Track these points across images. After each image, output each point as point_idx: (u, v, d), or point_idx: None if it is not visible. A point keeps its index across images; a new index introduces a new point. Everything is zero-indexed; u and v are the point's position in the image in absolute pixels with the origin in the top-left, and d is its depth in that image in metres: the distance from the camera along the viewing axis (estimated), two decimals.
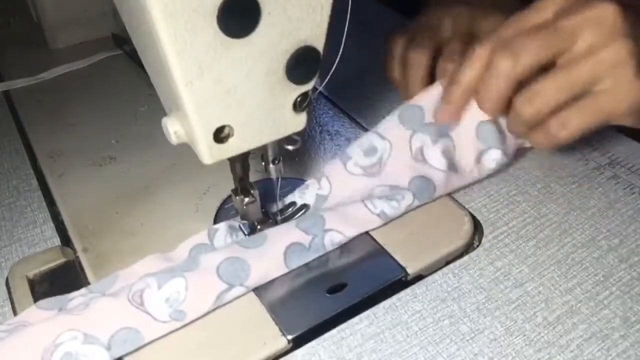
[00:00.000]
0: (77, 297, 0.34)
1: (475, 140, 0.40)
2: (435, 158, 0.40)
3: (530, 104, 0.35)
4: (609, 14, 0.34)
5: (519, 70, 0.35)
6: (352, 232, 0.37)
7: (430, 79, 0.45)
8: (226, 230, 0.37)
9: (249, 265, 0.34)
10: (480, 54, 0.37)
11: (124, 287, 0.34)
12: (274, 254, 0.35)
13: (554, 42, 0.34)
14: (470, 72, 0.37)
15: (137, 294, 0.32)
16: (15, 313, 0.35)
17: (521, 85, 0.36)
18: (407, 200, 0.39)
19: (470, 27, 0.46)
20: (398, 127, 0.41)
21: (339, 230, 0.37)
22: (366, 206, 0.38)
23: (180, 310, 0.32)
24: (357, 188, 0.40)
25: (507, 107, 0.37)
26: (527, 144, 0.43)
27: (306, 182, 0.41)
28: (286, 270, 0.36)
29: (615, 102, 0.34)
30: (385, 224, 0.38)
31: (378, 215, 0.38)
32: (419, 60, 0.45)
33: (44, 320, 0.32)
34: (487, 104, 0.37)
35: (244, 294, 0.34)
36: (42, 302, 0.33)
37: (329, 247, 0.37)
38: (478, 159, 0.41)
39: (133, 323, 0.32)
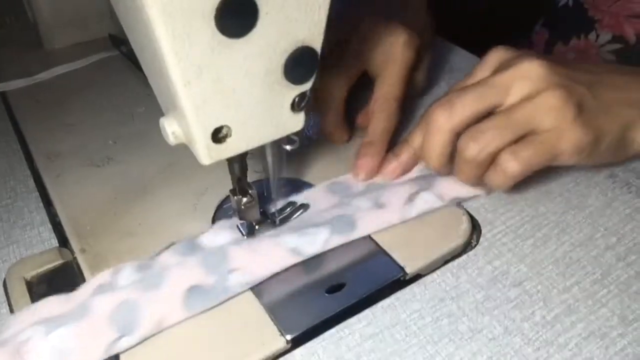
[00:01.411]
0: None
1: (406, 184, 0.40)
2: (360, 201, 0.39)
3: (474, 141, 0.35)
4: (535, 67, 0.36)
5: (455, 121, 0.36)
6: (260, 272, 0.35)
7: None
8: (133, 268, 0.35)
9: (142, 311, 0.32)
10: (425, 115, 0.38)
11: (9, 337, 0.31)
12: (171, 297, 0.33)
13: (488, 95, 0.36)
14: (419, 134, 0.40)
15: (23, 344, 0.30)
16: (13, 314, 0.35)
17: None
18: (323, 235, 0.36)
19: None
20: (325, 195, 0.41)
21: (246, 270, 0.34)
22: (277, 243, 0.36)
23: None
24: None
25: (450, 161, 0.38)
26: (468, 193, 0.41)
27: (218, 223, 0.39)
28: (187, 315, 0.33)
29: (559, 141, 0.35)
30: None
31: (291, 251, 0.35)
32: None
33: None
34: (429, 159, 0.38)
35: (137, 344, 0.32)
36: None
37: (237, 289, 0.34)
38: (410, 199, 0.39)
39: None
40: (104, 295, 0.33)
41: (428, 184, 0.40)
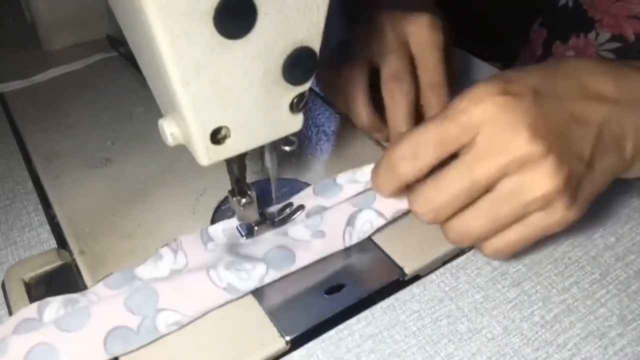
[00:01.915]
0: None
1: (346, 203, 0.38)
2: (298, 231, 0.37)
3: (455, 230, 0.33)
4: (525, 140, 0.30)
5: (418, 171, 0.32)
6: (192, 311, 0.33)
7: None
8: (59, 303, 0.33)
9: (59, 355, 0.30)
10: (386, 156, 0.34)
11: None
12: (92, 340, 0.31)
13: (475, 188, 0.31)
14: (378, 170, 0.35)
15: None
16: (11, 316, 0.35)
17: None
18: (259, 270, 0.34)
19: (399, 35, 0.45)
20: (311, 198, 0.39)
21: (175, 309, 0.32)
22: (210, 279, 0.33)
23: None
24: (209, 258, 0.36)
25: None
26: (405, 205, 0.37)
27: (160, 251, 0.36)
28: (103, 354, 0.31)
29: (548, 227, 0.32)
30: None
31: (225, 289, 0.33)
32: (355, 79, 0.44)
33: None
34: (382, 193, 0.35)
35: None
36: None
37: (164, 330, 0.32)
38: (350, 222, 0.37)
39: None
40: (24, 334, 0.31)
41: (367, 201, 0.38)
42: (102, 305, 0.32)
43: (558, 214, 0.31)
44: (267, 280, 0.35)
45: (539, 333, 0.33)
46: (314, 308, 0.34)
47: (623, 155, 0.33)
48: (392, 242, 0.38)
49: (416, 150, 0.31)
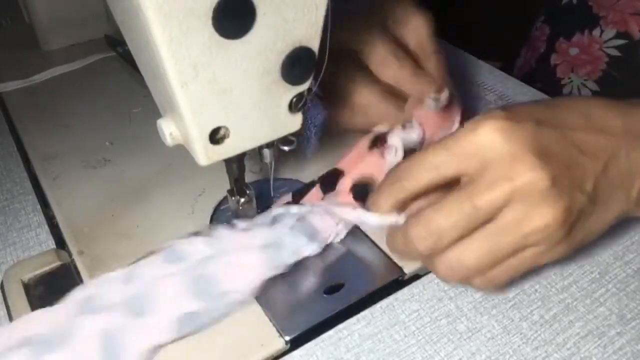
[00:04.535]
0: None
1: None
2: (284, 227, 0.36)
3: (453, 269, 0.31)
4: (537, 181, 0.29)
5: (436, 244, 0.31)
6: (247, 288, 0.34)
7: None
8: (118, 280, 0.34)
9: (129, 339, 0.31)
10: (403, 233, 0.32)
11: None
12: (162, 326, 0.32)
13: (474, 219, 0.30)
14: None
15: None
16: (10, 317, 0.35)
17: None
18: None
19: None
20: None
21: (237, 289, 0.33)
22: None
23: None
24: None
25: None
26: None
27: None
28: (175, 337, 0.32)
29: (540, 259, 0.31)
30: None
31: (264, 249, 0.34)
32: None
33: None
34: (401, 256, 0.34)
35: None
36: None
37: (232, 309, 0.33)
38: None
39: None
40: (88, 316, 0.32)
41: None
42: (164, 285, 0.33)
43: (550, 246, 0.30)
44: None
45: (538, 332, 0.33)
46: (314, 308, 0.34)
47: (630, 193, 0.32)
48: None
49: (413, 172, 0.31)
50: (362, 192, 0.37)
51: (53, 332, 0.31)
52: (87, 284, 0.34)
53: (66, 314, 0.32)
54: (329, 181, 0.39)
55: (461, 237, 0.30)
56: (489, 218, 0.30)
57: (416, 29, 0.44)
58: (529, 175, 0.28)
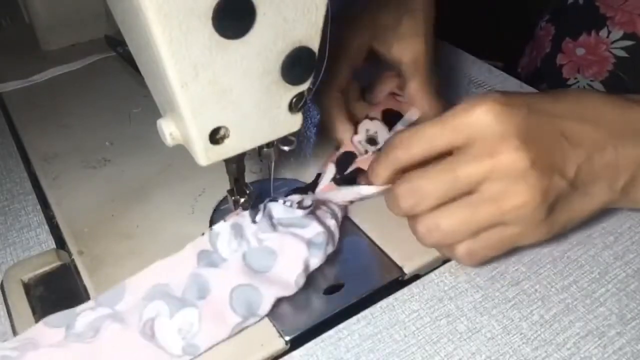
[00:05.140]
0: (85, 310, 0.33)
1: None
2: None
3: (432, 232, 0.33)
4: (519, 161, 0.31)
5: (422, 208, 0.33)
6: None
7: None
8: (229, 234, 0.35)
9: (261, 295, 0.33)
10: (390, 196, 0.35)
11: (132, 308, 0.33)
12: (285, 278, 0.34)
13: (457, 187, 0.32)
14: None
15: (149, 325, 0.32)
16: (10, 317, 0.35)
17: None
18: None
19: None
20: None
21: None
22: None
23: (193, 344, 0.31)
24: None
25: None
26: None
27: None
28: (295, 290, 0.34)
29: (520, 239, 0.33)
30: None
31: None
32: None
33: (55, 346, 0.31)
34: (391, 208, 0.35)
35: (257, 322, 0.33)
36: (50, 319, 0.33)
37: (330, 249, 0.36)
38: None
39: (145, 359, 0.31)
40: (214, 270, 0.34)
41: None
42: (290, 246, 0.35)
43: (529, 226, 0.32)
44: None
45: (538, 332, 0.33)
46: (314, 308, 0.34)
47: (614, 185, 0.33)
48: (391, 241, 0.38)
49: (409, 143, 0.33)
50: (347, 182, 0.40)
51: (179, 282, 0.34)
52: (199, 239, 0.36)
53: (187, 266, 0.35)
54: (344, 161, 0.42)
55: (442, 204, 0.32)
56: (469, 190, 0.32)
57: (412, 52, 0.44)
58: (510, 155, 0.30)
